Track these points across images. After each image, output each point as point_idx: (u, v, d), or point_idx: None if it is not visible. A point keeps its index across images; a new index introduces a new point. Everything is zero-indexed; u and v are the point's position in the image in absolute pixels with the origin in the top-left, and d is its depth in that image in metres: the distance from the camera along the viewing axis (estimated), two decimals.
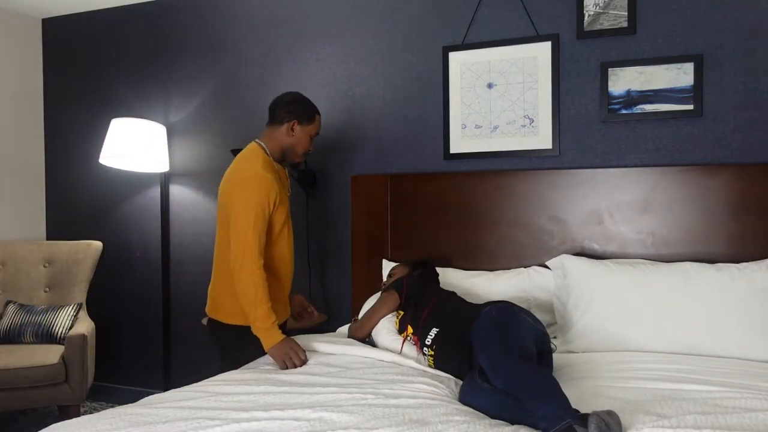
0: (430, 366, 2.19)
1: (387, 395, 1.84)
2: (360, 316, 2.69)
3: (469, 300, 2.46)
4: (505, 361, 1.79)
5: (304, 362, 2.23)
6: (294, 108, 2.42)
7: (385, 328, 2.46)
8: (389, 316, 2.49)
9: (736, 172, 2.56)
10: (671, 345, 2.33)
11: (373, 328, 2.50)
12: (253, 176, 2.29)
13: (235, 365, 2.37)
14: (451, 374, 2.12)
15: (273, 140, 2.43)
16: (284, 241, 2.44)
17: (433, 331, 2.20)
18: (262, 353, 2.35)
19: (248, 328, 2.30)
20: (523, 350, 1.87)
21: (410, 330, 2.31)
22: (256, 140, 2.45)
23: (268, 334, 2.24)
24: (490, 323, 2.02)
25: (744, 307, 2.30)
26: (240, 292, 2.25)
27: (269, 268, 2.37)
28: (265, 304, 2.24)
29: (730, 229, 2.57)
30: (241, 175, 2.32)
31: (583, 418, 1.52)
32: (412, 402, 1.79)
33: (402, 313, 2.43)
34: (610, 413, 1.54)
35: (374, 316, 2.49)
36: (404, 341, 2.34)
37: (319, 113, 2.49)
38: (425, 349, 2.22)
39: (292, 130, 2.42)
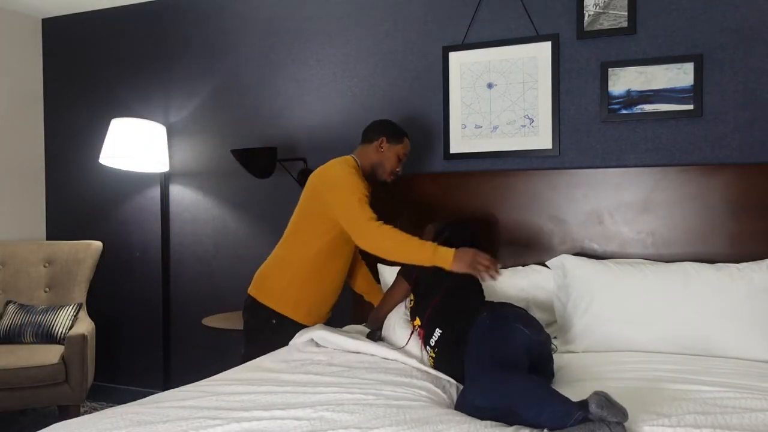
0: (430, 366, 2.18)
1: (388, 396, 1.84)
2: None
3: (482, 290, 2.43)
4: (487, 375, 1.74)
5: (491, 262, 2.18)
6: (384, 127, 2.62)
7: (400, 319, 2.46)
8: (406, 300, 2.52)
9: (736, 172, 2.56)
10: (671, 345, 2.33)
11: (386, 314, 2.50)
12: (348, 171, 2.42)
13: (257, 350, 2.44)
14: (450, 377, 2.11)
15: (363, 156, 2.61)
16: (343, 259, 2.55)
17: (437, 333, 2.18)
18: (285, 344, 2.45)
19: (280, 314, 2.47)
20: (509, 362, 1.81)
21: (418, 322, 2.31)
22: (350, 155, 2.62)
23: (436, 257, 2.22)
24: (481, 335, 1.99)
25: (744, 307, 2.30)
26: (390, 254, 2.28)
27: (321, 274, 2.51)
28: (411, 239, 2.26)
29: (730, 229, 2.57)
30: (334, 176, 2.43)
31: (583, 404, 1.52)
32: (413, 402, 1.79)
33: (413, 301, 2.40)
34: (605, 395, 1.53)
35: (387, 302, 2.49)
36: (412, 332, 2.35)
37: (408, 137, 2.65)
38: (428, 348, 2.21)
39: (381, 146, 2.59)
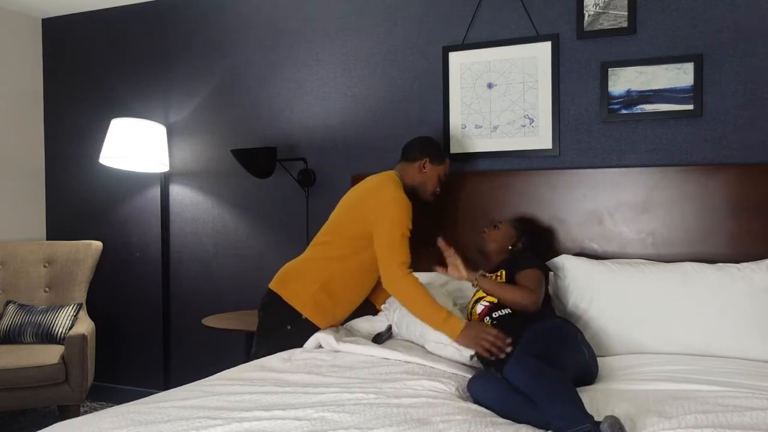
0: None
1: (389, 394, 1.84)
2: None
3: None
4: (531, 358, 1.81)
5: (497, 338, 2.16)
6: (427, 148, 2.62)
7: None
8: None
9: (736, 172, 2.57)
10: (671, 345, 2.33)
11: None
12: (401, 198, 2.42)
13: (268, 351, 2.43)
14: (483, 360, 2.21)
15: (406, 175, 2.62)
16: (376, 275, 2.52)
17: (505, 311, 2.28)
18: (298, 346, 2.45)
19: (299, 316, 2.47)
20: (558, 365, 1.87)
21: (496, 299, 2.33)
22: (393, 171, 2.63)
23: (446, 326, 2.24)
24: (549, 328, 2.10)
25: (744, 307, 2.30)
26: (406, 303, 2.33)
27: (354, 287, 2.53)
28: (429, 300, 2.29)
29: (730, 229, 2.57)
30: (388, 195, 2.43)
31: (595, 422, 1.54)
32: (414, 401, 1.79)
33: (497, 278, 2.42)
34: (618, 420, 1.55)
35: (541, 289, 2.33)
36: (474, 301, 2.41)
37: (449, 158, 2.69)
38: (486, 318, 2.31)
39: (424, 167, 2.60)
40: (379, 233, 2.38)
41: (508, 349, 2.13)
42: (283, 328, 2.50)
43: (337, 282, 2.50)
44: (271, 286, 2.57)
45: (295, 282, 2.52)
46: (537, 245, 2.64)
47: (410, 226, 2.42)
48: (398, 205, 2.39)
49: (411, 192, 2.61)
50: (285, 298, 2.51)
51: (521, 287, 2.27)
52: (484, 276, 2.35)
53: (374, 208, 2.42)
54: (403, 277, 2.32)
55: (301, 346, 2.43)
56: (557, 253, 2.77)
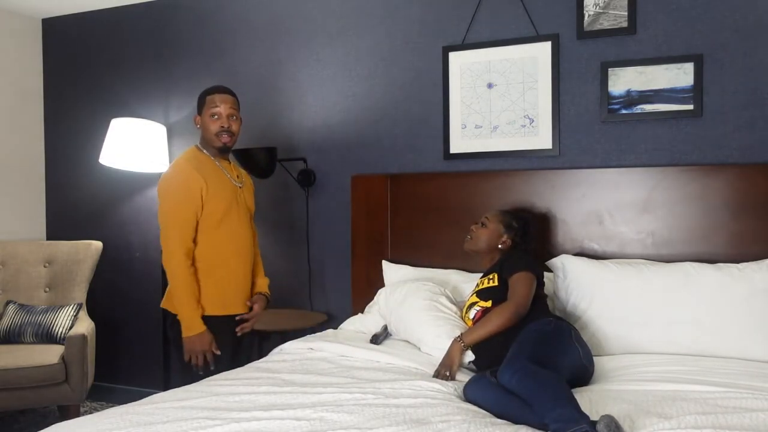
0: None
1: (387, 395, 1.84)
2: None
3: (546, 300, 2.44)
4: (524, 360, 1.80)
5: (205, 358, 2.39)
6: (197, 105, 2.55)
7: (431, 315, 2.44)
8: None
9: (736, 172, 2.56)
10: (671, 345, 2.33)
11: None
12: (172, 179, 2.45)
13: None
14: (477, 363, 2.18)
15: (201, 138, 2.56)
16: (225, 232, 2.47)
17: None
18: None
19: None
20: (551, 365, 1.86)
21: (488, 304, 2.30)
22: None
23: (187, 321, 2.37)
24: (541, 328, 2.08)
25: (744, 307, 2.29)
26: (171, 285, 2.41)
27: (209, 259, 2.45)
28: (190, 294, 2.38)
29: (731, 229, 2.57)
30: (162, 178, 2.47)
31: (592, 422, 1.54)
32: (413, 402, 1.79)
33: (490, 281, 2.39)
34: (614, 419, 1.55)
35: (529, 293, 2.29)
36: (468, 306, 2.39)
37: (219, 90, 2.52)
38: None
39: (197, 123, 2.54)
40: (159, 216, 2.43)
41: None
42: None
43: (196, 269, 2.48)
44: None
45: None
46: (528, 241, 2.56)
47: (188, 208, 2.38)
48: (167, 190, 2.41)
49: (212, 147, 2.51)
50: (168, 308, 2.49)
51: (501, 308, 2.20)
52: (460, 338, 2.21)
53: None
54: (174, 261, 2.36)
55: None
56: (557, 253, 2.77)
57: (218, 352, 2.41)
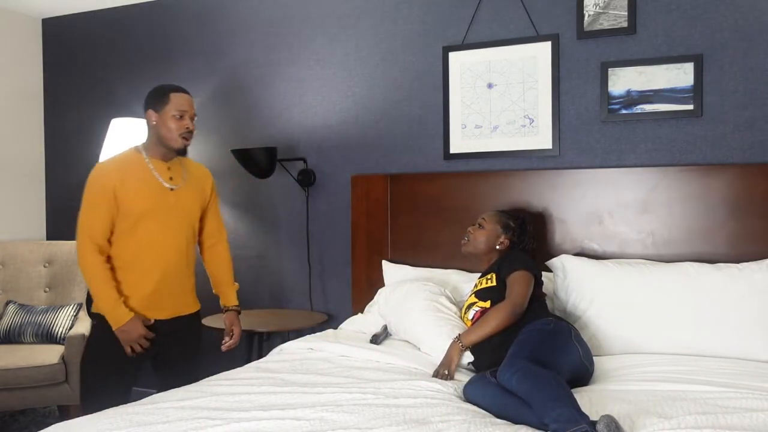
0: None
1: (387, 395, 1.84)
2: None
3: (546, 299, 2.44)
4: (523, 360, 1.80)
5: (141, 347, 2.33)
6: (147, 100, 2.41)
7: (431, 315, 2.43)
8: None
9: (736, 172, 2.56)
10: (671, 345, 2.33)
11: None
12: (90, 177, 2.41)
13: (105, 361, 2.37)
14: (476, 364, 2.18)
15: (148, 137, 2.44)
16: (142, 235, 2.36)
17: None
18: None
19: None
20: (550, 365, 1.86)
21: (488, 304, 2.29)
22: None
23: (112, 314, 2.29)
24: (540, 328, 2.08)
25: (744, 307, 2.29)
26: (85, 280, 2.35)
27: (124, 260, 2.37)
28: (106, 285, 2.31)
29: (730, 229, 2.56)
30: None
31: (592, 422, 1.54)
32: (413, 401, 1.79)
33: (488, 281, 2.38)
34: (614, 419, 1.55)
35: (527, 291, 2.28)
36: (467, 306, 2.38)
37: (183, 90, 2.41)
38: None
39: (153, 120, 2.38)
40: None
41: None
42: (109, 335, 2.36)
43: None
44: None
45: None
46: (525, 241, 2.55)
47: (100, 206, 2.32)
48: (85, 188, 2.38)
49: (166, 147, 2.39)
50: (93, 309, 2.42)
51: (498, 307, 2.20)
52: (458, 338, 2.21)
53: None
54: (86, 260, 2.31)
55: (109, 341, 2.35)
56: (557, 253, 2.77)
57: (152, 334, 2.34)
